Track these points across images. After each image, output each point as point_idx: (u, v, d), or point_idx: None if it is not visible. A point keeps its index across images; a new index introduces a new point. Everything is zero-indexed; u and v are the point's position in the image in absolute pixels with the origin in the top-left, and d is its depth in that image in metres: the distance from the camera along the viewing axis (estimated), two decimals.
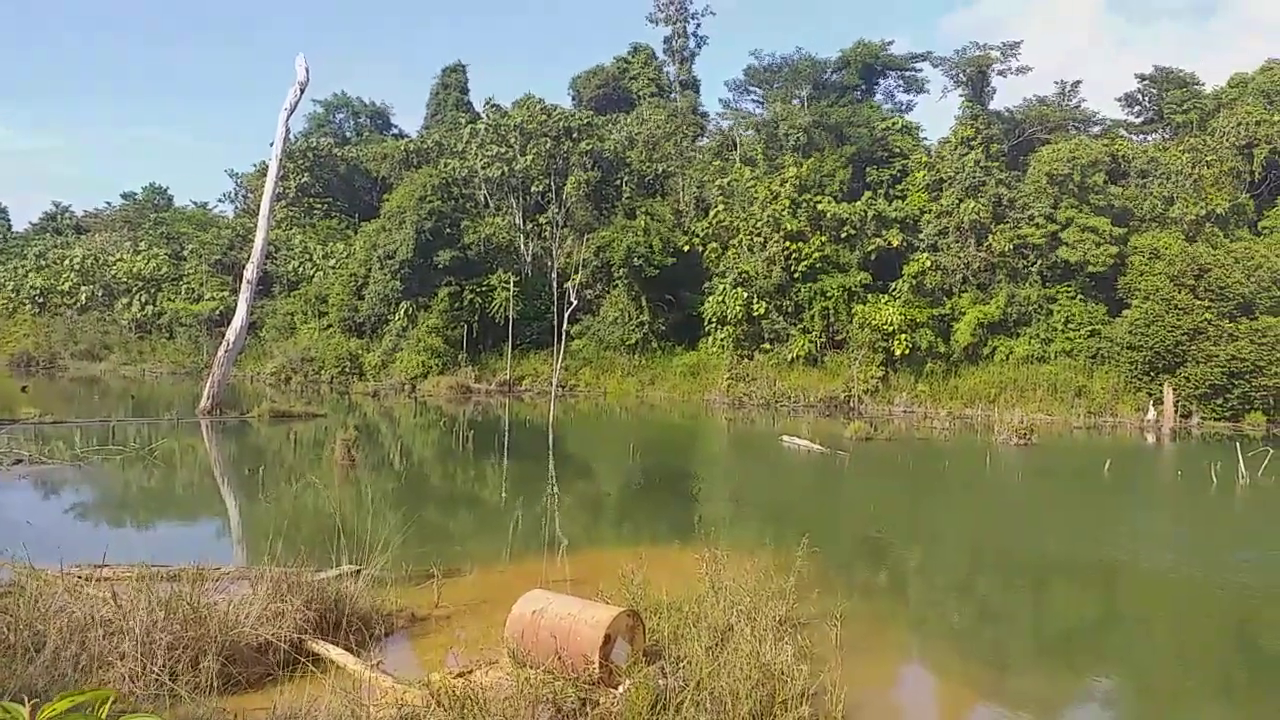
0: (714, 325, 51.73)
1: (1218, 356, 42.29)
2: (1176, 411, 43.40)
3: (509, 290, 52.31)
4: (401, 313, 52.96)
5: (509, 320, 51.87)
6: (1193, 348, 43.15)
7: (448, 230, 53.34)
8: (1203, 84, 61.84)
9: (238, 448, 28.08)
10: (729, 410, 46.00)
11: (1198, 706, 9.64)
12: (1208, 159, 51.48)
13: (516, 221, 57.38)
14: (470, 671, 8.25)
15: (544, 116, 56.79)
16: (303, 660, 8.38)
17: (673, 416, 43.34)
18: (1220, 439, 36.95)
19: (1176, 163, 51.71)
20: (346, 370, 52.72)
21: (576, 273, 50.87)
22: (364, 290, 54.98)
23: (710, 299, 51.61)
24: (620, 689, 7.50)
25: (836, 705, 7.77)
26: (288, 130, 37.65)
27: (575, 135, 56.54)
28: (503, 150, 56.40)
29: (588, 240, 53.24)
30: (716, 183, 55.73)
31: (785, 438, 31.69)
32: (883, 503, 20.90)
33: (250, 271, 35.73)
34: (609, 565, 11.87)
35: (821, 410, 45.88)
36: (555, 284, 52.24)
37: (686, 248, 53.94)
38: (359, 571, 10.63)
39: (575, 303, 44.54)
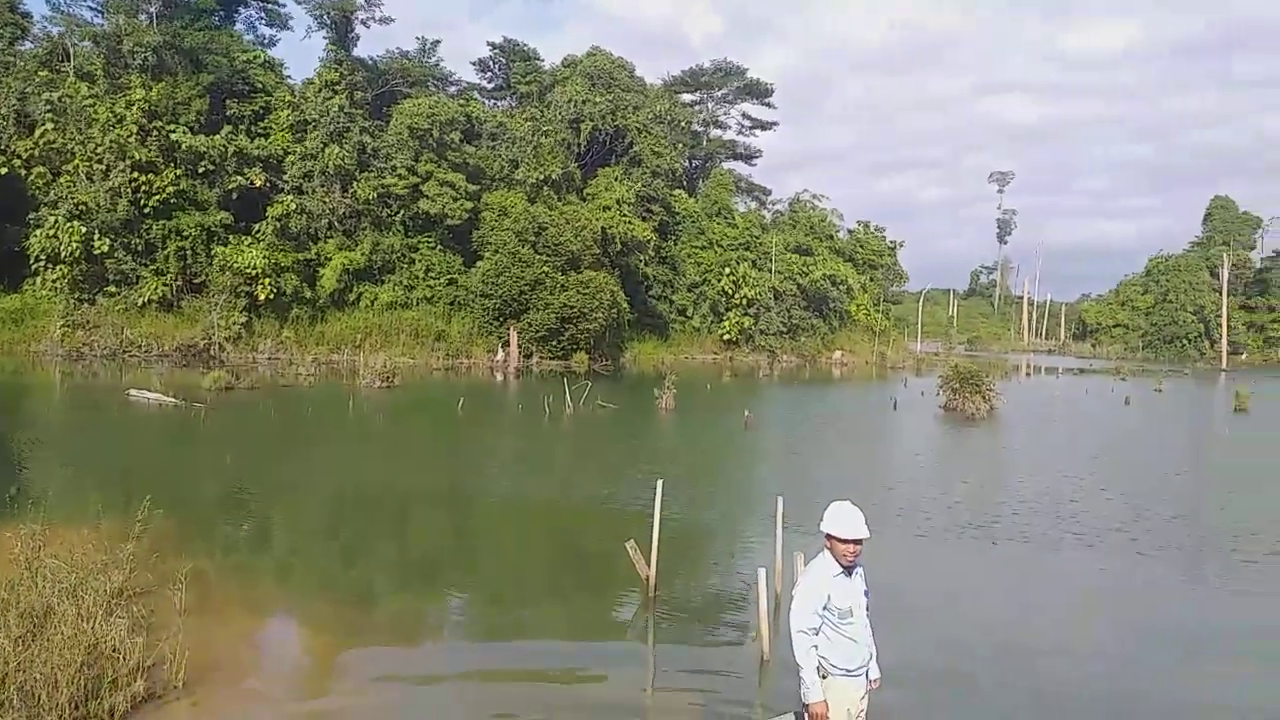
0: (44, 264, 44.30)
1: (552, 304, 48.53)
2: (520, 352, 49.00)
3: None
4: None
5: None
6: (533, 296, 48.93)
7: None
8: (542, 60, 69.67)
9: None
10: (65, 363, 40.20)
11: (535, 605, 11.01)
12: (545, 129, 58.19)
13: None
14: None
15: None
16: None
17: None
18: (554, 375, 42.49)
19: (520, 130, 57.57)
20: None
21: None
22: None
23: (38, 233, 44.00)
24: None
25: (177, 673, 7.30)
26: None
27: None
28: None
29: None
30: (44, 96, 47.31)
31: (134, 391, 28.81)
32: (244, 454, 20.09)
33: None
34: None
35: (178, 360, 42.51)
36: None
37: (4, 170, 45.18)
38: None
39: None
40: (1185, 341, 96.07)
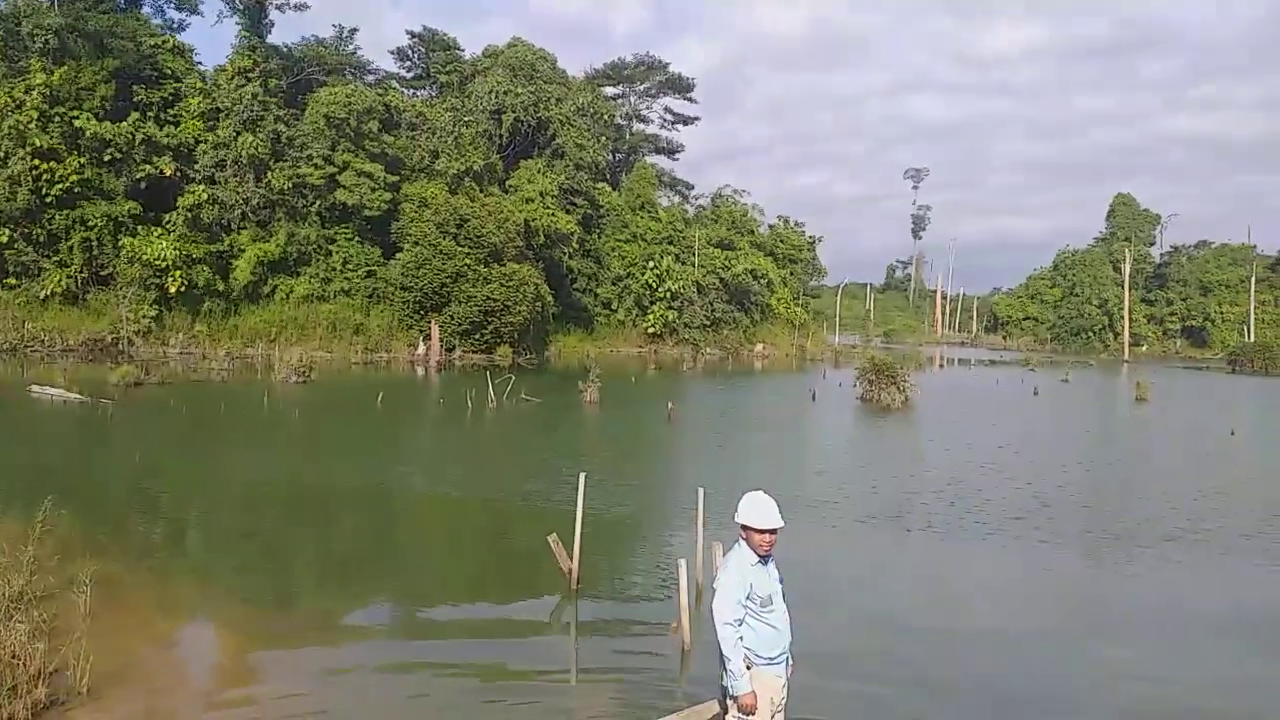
0: None
1: (475, 297, 48.08)
2: (442, 346, 48.45)
3: None
4: None
5: None
6: (455, 289, 48.39)
7: None
8: (463, 50, 68.85)
9: None
10: None
11: (457, 600, 10.99)
12: (466, 119, 57.54)
13: None
14: None
15: None
16: None
17: None
18: (477, 369, 42.11)
19: (441, 120, 56.81)
20: None
21: None
22: None
23: None
24: None
25: (81, 680, 7.08)
26: None
27: None
28: None
29: None
30: None
31: (36, 387, 27.72)
32: (154, 452, 19.50)
33: None
34: None
35: (84, 354, 41.03)
36: None
37: None
38: None
39: None
40: (1090, 334, 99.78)
